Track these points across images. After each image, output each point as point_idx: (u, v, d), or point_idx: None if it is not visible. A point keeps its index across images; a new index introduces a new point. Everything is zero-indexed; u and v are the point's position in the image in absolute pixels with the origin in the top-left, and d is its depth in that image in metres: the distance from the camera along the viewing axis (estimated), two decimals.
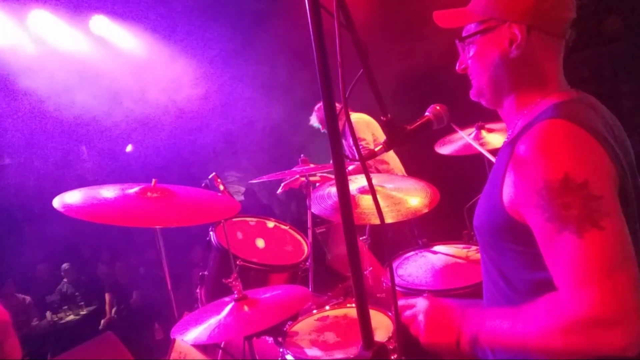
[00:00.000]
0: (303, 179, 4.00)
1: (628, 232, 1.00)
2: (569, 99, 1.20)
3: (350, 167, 3.66)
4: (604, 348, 0.93)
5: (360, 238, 2.57)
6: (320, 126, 4.52)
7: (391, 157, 4.21)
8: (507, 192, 1.13)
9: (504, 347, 1.10)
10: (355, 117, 4.12)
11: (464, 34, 1.32)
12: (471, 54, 1.31)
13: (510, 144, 1.17)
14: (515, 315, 1.08)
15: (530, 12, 1.19)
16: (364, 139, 3.99)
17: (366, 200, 2.21)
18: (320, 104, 4.46)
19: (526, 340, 1.03)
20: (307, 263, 2.58)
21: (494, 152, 2.45)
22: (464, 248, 2.49)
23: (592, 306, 0.94)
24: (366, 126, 4.15)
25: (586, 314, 0.94)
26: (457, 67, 1.37)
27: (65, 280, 6.45)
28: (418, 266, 2.37)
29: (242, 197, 7.49)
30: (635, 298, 0.94)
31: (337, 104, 0.89)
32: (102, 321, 5.96)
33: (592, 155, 1.04)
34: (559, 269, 1.01)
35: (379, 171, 4.07)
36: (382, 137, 3.51)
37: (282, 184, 4.02)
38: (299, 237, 2.80)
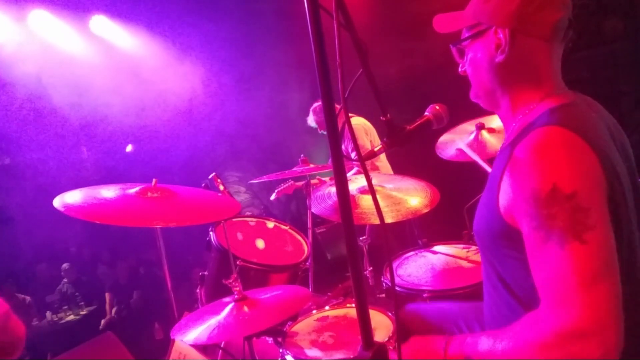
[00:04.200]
0: (299, 183, 4.01)
1: (614, 244, 1.00)
2: (566, 102, 1.18)
3: (353, 171, 3.66)
4: None
5: (360, 238, 2.57)
6: (317, 126, 4.48)
7: (382, 161, 4.19)
8: (503, 197, 1.13)
9: None
10: (354, 121, 4.09)
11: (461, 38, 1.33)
12: (467, 58, 1.32)
13: (507, 148, 1.17)
14: (497, 334, 1.09)
15: (514, 16, 1.18)
16: (362, 145, 3.93)
17: (366, 200, 2.21)
18: (317, 104, 4.42)
19: (506, 357, 1.04)
20: (307, 263, 2.58)
21: (491, 159, 2.44)
22: (464, 248, 2.49)
23: (568, 319, 0.95)
24: (364, 132, 4.12)
25: (563, 327, 0.95)
26: (459, 70, 1.38)
27: (65, 280, 6.44)
28: (418, 266, 2.37)
29: (242, 197, 7.49)
30: (612, 311, 0.95)
31: (336, 105, 0.89)
32: (102, 321, 5.95)
33: (584, 165, 1.03)
34: (541, 279, 1.02)
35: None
36: (379, 143, 3.48)
37: (276, 190, 4.05)
38: (299, 237, 2.80)
